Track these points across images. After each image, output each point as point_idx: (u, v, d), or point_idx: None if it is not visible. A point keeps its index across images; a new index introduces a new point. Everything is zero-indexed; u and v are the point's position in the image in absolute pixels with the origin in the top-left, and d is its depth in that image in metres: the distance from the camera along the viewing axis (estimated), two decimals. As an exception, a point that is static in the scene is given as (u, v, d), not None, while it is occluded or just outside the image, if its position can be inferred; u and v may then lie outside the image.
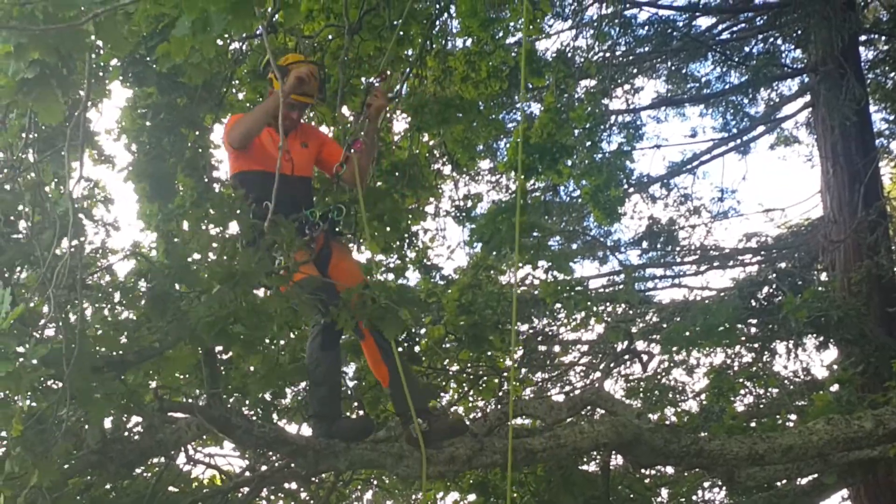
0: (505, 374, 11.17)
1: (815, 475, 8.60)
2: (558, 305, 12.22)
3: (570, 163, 10.04)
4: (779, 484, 8.89)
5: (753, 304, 11.95)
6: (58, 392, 3.86)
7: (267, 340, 6.82)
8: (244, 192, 6.18)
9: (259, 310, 4.16)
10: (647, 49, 13.89)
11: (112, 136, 8.35)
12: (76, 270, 4.45)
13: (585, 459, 9.20)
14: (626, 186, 13.12)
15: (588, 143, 10.32)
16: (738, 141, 15.28)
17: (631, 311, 13.87)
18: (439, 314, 11.07)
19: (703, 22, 14.45)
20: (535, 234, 11.14)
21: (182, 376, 6.20)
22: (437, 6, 9.64)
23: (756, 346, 12.71)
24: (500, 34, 9.95)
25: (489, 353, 11.03)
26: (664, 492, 10.78)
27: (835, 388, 9.22)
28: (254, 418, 7.43)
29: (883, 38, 14.32)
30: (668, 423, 9.59)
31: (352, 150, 6.38)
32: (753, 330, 12.48)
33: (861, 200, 11.95)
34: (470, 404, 11.57)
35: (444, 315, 10.81)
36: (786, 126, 16.00)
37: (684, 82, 15.22)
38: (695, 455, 6.42)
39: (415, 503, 10.43)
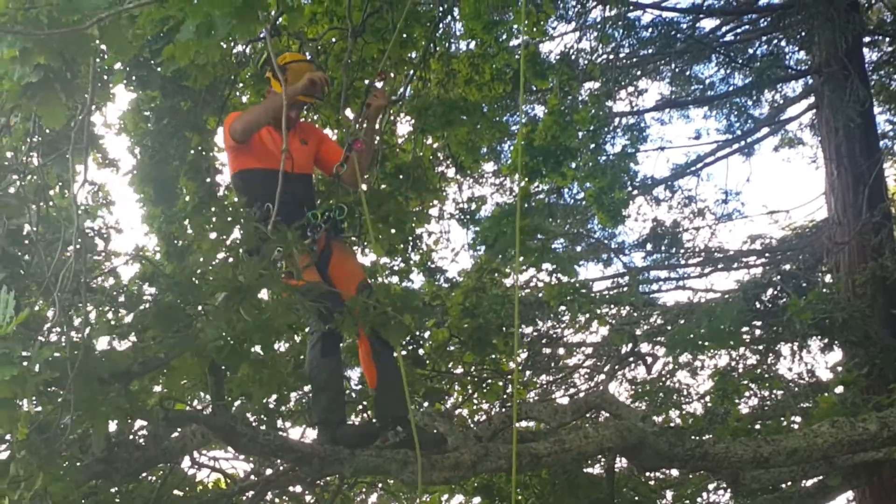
0: (509, 376, 11.16)
1: (820, 477, 8.59)
2: (562, 308, 12.22)
3: (574, 165, 10.03)
4: (784, 486, 8.88)
5: (758, 306, 11.92)
6: (62, 397, 3.86)
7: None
8: (246, 191, 6.22)
9: (267, 327, 4.16)
10: (650, 51, 13.87)
11: (114, 130, 8.39)
12: (80, 274, 4.45)
13: (590, 462, 9.19)
14: (630, 189, 13.12)
15: (592, 146, 10.29)
16: (743, 143, 15.25)
17: (635, 314, 13.87)
18: (443, 317, 11.07)
19: (707, 24, 14.44)
20: (539, 236, 11.13)
21: (186, 383, 6.20)
22: (441, 9, 9.64)
23: (760, 348, 12.69)
24: (504, 37, 9.96)
25: (493, 356, 11.03)
26: (669, 494, 10.78)
27: (839, 389, 9.20)
28: (258, 423, 7.45)
29: (887, 39, 14.31)
30: (672, 425, 9.57)
31: (352, 150, 6.37)
32: (758, 332, 12.47)
33: (865, 202, 11.93)
34: (474, 407, 11.58)
35: (448, 318, 10.82)
36: (790, 128, 16.00)
37: (688, 84, 15.20)
38: (699, 458, 6.41)
39: (419, 506, 10.42)
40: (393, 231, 8.94)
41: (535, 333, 13.72)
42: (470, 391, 11.45)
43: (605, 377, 13.40)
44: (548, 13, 10.28)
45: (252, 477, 7.28)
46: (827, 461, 7.49)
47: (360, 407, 9.06)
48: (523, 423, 9.57)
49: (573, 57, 12.16)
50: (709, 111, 15.16)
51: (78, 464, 4.67)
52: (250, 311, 4.10)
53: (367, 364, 6.03)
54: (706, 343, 10.18)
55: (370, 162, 7.02)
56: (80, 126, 4.54)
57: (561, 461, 6.17)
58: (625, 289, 14.53)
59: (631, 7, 12.56)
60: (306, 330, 6.09)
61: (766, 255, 14.78)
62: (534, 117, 13.06)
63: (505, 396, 11.05)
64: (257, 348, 4.36)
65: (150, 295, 8.21)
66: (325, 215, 6.11)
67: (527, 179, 10.04)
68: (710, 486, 10.59)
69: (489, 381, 11.38)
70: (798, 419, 9.80)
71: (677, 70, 14.82)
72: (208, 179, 8.44)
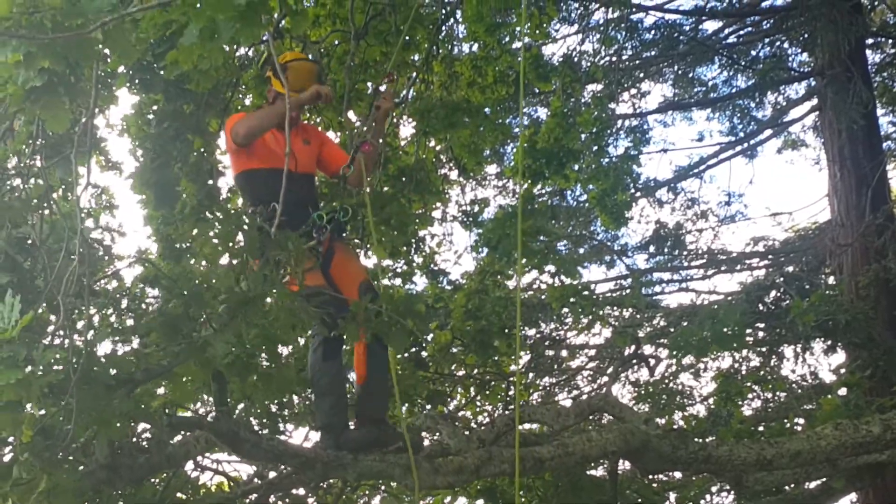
0: (511, 378, 11.17)
1: (824, 479, 8.59)
2: (565, 310, 12.22)
3: (576, 167, 10.03)
4: (787, 488, 8.87)
5: (761, 308, 11.93)
6: (64, 401, 3.86)
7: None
8: (250, 192, 6.22)
9: (273, 338, 4.17)
10: (653, 53, 13.86)
11: (116, 131, 8.39)
12: (84, 277, 4.46)
13: (593, 464, 9.19)
14: (633, 191, 13.12)
15: (595, 148, 10.28)
16: (745, 145, 15.26)
17: (638, 316, 13.87)
18: (446, 319, 11.08)
19: (710, 26, 14.42)
20: (541, 238, 11.13)
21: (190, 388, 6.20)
22: (444, 11, 9.65)
23: (764, 350, 12.69)
24: (507, 39, 9.96)
25: (496, 358, 11.04)
26: (672, 496, 10.78)
27: (842, 391, 9.19)
28: (260, 427, 7.45)
29: (890, 41, 14.30)
30: (675, 427, 9.57)
31: (359, 152, 6.36)
32: (761, 334, 12.47)
33: (869, 204, 11.92)
34: (477, 409, 11.58)
35: (451, 320, 10.82)
36: (793, 130, 16.02)
37: (691, 86, 15.20)
38: (703, 461, 6.41)
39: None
40: (395, 233, 8.94)
41: (538, 335, 13.71)
42: (473, 393, 11.46)
43: (608, 379, 13.41)
44: (550, 15, 10.30)
45: (255, 480, 7.28)
46: (830, 463, 7.48)
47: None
48: (526, 426, 9.57)
49: (576, 59, 12.17)
50: (712, 113, 15.20)
51: (81, 467, 4.67)
52: (256, 320, 4.11)
53: (359, 360, 6.00)
54: (710, 346, 10.18)
55: (375, 164, 7.02)
56: (83, 129, 4.55)
57: (564, 465, 6.18)
58: (628, 291, 14.52)
59: (633, 9, 12.56)
60: (308, 333, 6.08)
61: (770, 257, 14.77)
62: (537, 119, 13.08)
63: (508, 399, 11.06)
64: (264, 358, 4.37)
65: (153, 297, 8.24)
66: (329, 216, 6.11)
67: (530, 182, 10.03)
68: (714, 489, 10.59)
69: (492, 383, 11.38)
70: (801, 421, 9.80)
71: (680, 72, 14.83)
72: (210, 182, 8.44)
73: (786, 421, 9.55)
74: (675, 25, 13.34)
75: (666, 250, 15.54)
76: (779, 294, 12.17)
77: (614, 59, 12.95)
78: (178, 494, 6.57)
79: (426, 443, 7.42)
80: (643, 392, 12.31)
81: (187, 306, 4.14)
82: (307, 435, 8.82)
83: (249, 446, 5.17)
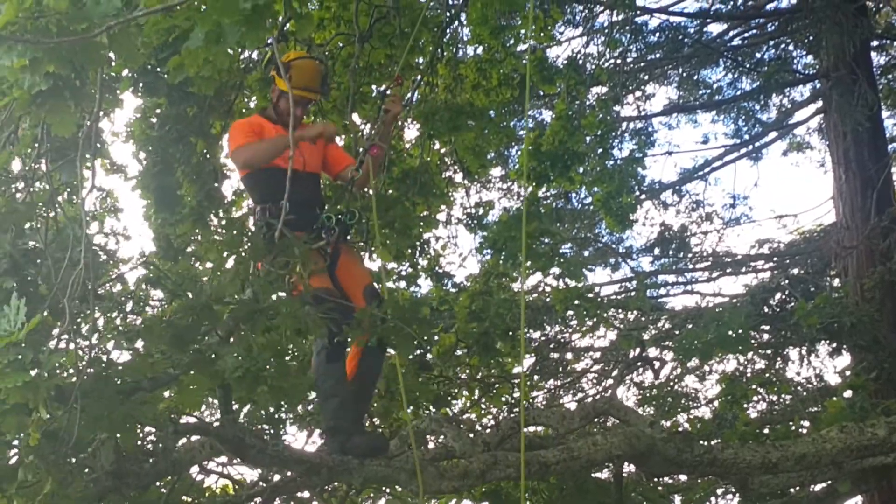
0: (516, 381, 11.16)
1: (829, 482, 8.58)
2: (570, 313, 12.21)
3: (581, 170, 10.02)
4: (792, 491, 8.86)
5: (766, 310, 11.92)
6: (69, 405, 3.87)
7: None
8: (257, 191, 6.22)
9: (282, 350, 4.19)
10: (658, 56, 13.84)
11: (121, 138, 8.41)
12: (88, 281, 4.46)
13: (598, 467, 9.18)
14: (637, 193, 13.10)
15: (599, 150, 10.29)
16: (750, 147, 15.24)
17: (643, 318, 13.85)
18: (451, 321, 11.07)
19: (715, 28, 14.42)
20: (546, 240, 11.12)
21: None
22: (448, 14, 9.65)
23: (769, 352, 12.69)
24: (511, 42, 9.96)
25: (500, 360, 11.03)
26: (677, 499, 10.76)
27: (848, 394, 9.19)
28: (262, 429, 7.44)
29: (895, 43, 14.29)
30: (680, 430, 9.56)
31: (367, 155, 6.34)
32: (766, 336, 12.46)
33: (874, 206, 11.90)
34: (482, 412, 11.57)
35: (456, 323, 10.81)
36: (798, 132, 16.00)
37: (696, 89, 15.19)
38: (708, 464, 6.41)
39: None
40: (399, 236, 8.95)
41: (542, 338, 13.70)
42: (478, 396, 11.45)
43: (613, 382, 13.39)
44: (555, 18, 10.30)
45: (260, 483, 7.28)
46: (836, 466, 7.47)
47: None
48: (531, 429, 9.56)
49: (581, 61, 12.16)
50: (716, 115, 15.16)
51: (87, 469, 4.68)
52: (263, 328, 4.12)
53: (351, 359, 6.00)
54: (715, 349, 10.17)
55: (380, 168, 7.02)
56: (87, 133, 4.55)
57: (569, 469, 6.17)
58: (632, 293, 14.49)
59: (638, 12, 12.55)
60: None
61: (774, 259, 14.75)
62: (541, 122, 13.07)
63: (512, 401, 11.05)
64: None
65: (157, 300, 8.25)
66: (337, 218, 6.11)
67: (534, 184, 10.03)
68: (719, 491, 10.57)
69: (497, 385, 11.37)
70: (806, 424, 9.78)
71: (685, 74, 14.81)
72: (216, 184, 8.46)
73: (791, 424, 9.55)
74: (679, 28, 13.33)
75: (671, 253, 15.54)
76: (784, 296, 12.16)
77: (619, 61, 12.94)
78: (183, 497, 6.57)
79: (430, 445, 7.42)
80: (648, 395, 12.30)
81: (196, 318, 4.15)
82: (311, 434, 8.80)
83: (255, 452, 5.17)
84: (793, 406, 11.21)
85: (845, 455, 6.67)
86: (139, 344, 4.67)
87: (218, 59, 3.85)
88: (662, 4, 13.57)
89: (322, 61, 6.85)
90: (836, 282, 12.76)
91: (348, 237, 6.32)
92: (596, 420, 9.64)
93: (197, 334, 4.21)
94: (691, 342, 10.01)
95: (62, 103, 3.83)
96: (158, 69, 7.08)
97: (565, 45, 13.98)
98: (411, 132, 10.95)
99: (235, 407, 5.45)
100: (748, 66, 14.14)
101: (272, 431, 7.59)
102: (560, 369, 14.66)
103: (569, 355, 14.74)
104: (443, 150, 11.16)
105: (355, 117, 9.18)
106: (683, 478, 10.34)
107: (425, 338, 5.48)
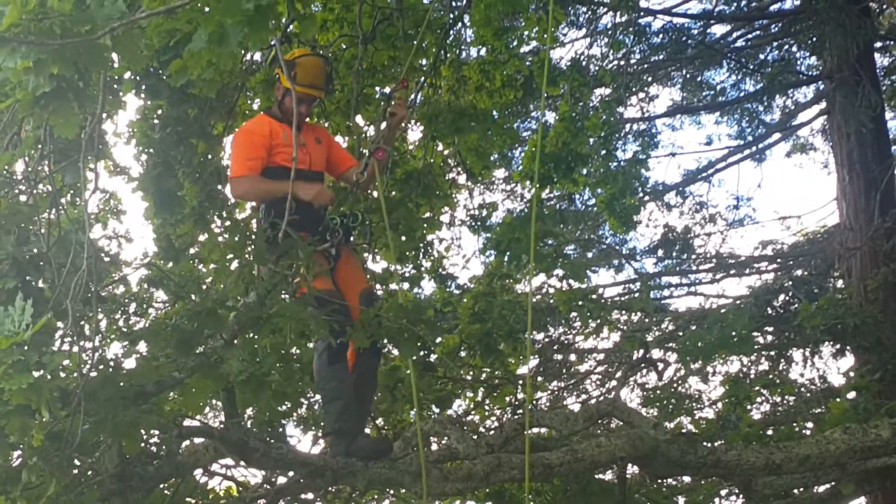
0: (521, 382, 11.15)
1: (833, 483, 8.56)
2: (573, 314, 12.20)
3: (585, 171, 10.01)
4: (796, 492, 8.85)
5: (769, 311, 11.91)
6: (72, 407, 3.87)
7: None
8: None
9: (287, 356, 4.19)
10: (661, 57, 13.82)
11: (123, 139, 8.42)
12: (91, 283, 4.46)
13: (602, 468, 9.18)
14: (641, 195, 13.10)
15: (603, 152, 10.27)
16: (754, 148, 15.22)
17: (646, 320, 13.83)
18: (454, 322, 11.07)
19: (718, 30, 14.42)
20: (549, 242, 11.12)
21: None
22: (452, 16, 9.64)
23: (772, 353, 12.67)
24: (515, 43, 9.95)
25: (503, 361, 11.02)
26: (681, 500, 10.75)
27: (851, 395, 9.17)
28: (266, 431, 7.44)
29: (898, 44, 14.29)
30: (684, 431, 9.55)
31: (372, 158, 6.33)
32: (770, 338, 12.45)
33: (877, 207, 11.89)
34: (486, 413, 11.56)
35: (459, 324, 10.81)
36: (801, 133, 15.99)
37: (699, 90, 15.17)
38: (712, 465, 6.41)
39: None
40: (403, 238, 8.95)
41: (546, 339, 13.70)
42: (482, 397, 11.44)
43: (617, 384, 13.38)
44: (559, 19, 10.29)
45: (264, 485, 7.28)
46: (839, 467, 7.46)
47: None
48: (534, 430, 9.56)
49: (584, 63, 12.15)
50: (720, 117, 15.17)
51: (90, 472, 4.68)
52: (269, 337, 4.13)
53: (350, 358, 6.00)
54: (718, 350, 10.16)
55: (383, 170, 7.02)
56: (90, 134, 4.55)
57: (573, 470, 6.17)
58: (636, 295, 14.50)
59: (642, 13, 12.55)
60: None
61: (778, 260, 14.74)
62: (545, 124, 13.06)
63: (516, 402, 11.04)
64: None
65: (161, 302, 8.26)
66: (341, 220, 6.11)
67: (538, 186, 10.02)
68: (723, 492, 10.56)
69: (500, 387, 11.37)
70: (810, 425, 9.77)
71: (688, 76, 14.80)
72: (219, 186, 8.46)
73: (795, 425, 9.53)
74: (683, 29, 13.32)
75: (674, 254, 15.53)
76: (787, 298, 12.16)
77: (622, 62, 12.92)
78: (188, 500, 6.57)
79: (434, 447, 7.42)
80: (652, 396, 12.29)
81: (200, 322, 4.16)
82: (314, 434, 8.82)
83: (259, 455, 5.18)
84: (796, 407, 11.19)
85: (849, 456, 6.66)
86: (143, 347, 4.68)
87: (221, 61, 3.85)
88: (666, 6, 13.60)
89: (326, 59, 6.84)
90: (840, 283, 12.74)
91: (351, 239, 6.33)
92: (599, 422, 9.62)
93: (201, 338, 4.21)
94: (695, 343, 10.01)
95: (65, 105, 3.82)
96: (160, 72, 7.08)
97: (569, 46, 13.99)
98: (415, 134, 10.97)
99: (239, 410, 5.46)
100: (752, 67, 14.12)
101: (281, 430, 7.61)
102: (563, 371, 14.66)
103: (572, 357, 14.74)
104: (446, 152, 11.16)
105: (359, 119, 9.19)
106: (687, 479, 10.33)
107: (429, 339, 5.47)
